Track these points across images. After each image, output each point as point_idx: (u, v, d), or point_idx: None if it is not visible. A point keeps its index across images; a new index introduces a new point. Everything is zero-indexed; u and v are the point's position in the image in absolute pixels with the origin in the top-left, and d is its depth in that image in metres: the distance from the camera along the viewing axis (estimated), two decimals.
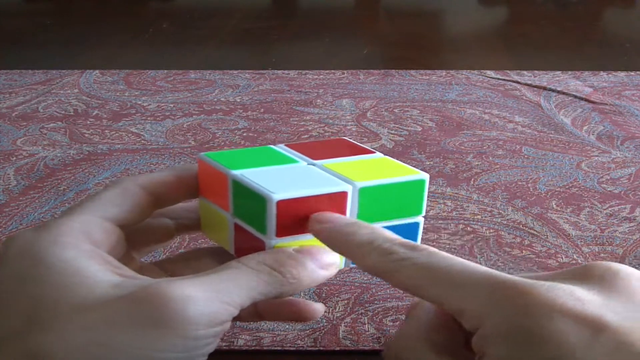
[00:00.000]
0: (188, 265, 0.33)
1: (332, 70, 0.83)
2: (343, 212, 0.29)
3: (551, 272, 0.27)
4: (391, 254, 0.26)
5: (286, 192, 0.27)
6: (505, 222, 0.49)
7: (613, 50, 0.96)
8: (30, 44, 1.00)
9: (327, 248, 0.29)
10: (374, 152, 0.33)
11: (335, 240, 0.28)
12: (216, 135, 0.64)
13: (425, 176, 0.30)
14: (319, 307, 0.32)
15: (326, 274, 0.28)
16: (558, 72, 0.83)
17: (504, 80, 0.81)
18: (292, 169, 0.30)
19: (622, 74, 0.83)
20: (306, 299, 0.34)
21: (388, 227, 0.30)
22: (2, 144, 0.62)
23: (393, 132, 0.65)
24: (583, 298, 0.23)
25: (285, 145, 0.33)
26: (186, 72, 0.83)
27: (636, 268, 0.26)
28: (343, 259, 0.30)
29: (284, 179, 0.29)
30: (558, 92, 0.77)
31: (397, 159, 0.32)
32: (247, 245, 0.29)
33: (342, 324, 0.38)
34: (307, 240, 0.29)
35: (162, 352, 0.24)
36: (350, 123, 0.67)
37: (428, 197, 0.52)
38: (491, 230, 0.48)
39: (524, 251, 0.45)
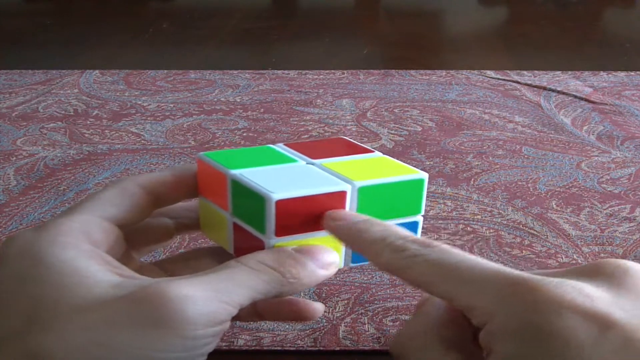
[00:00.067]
0: (188, 265, 0.33)
1: (332, 70, 0.83)
2: None
3: (561, 269, 0.27)
4: (404, 251, 0.26)
5: (285, 191, 0.27)
6: (505, 222, 0.49)
7: (613, 50, 0.96)
8: (30, 44, 1.00)
9: (326, 247, 0.29)
10: (373, 152, 0.33)
11: (349, 237, 0.28)
12: (216, 135, 0.64)
13: (424, 175, 0.30)
14: (318, 307, 0.32)
15: (326, 274, 0.28)
16: (558, 72, 0.83)
17: (504, 80, 0.81)
18: (291, 168, 0.30)
19: (622, 74, 0.83)
20: (306, 299, 0.34)
21: None
22: (2, 144, 0.62)
23: (393, 132, 0.65)
24: (592, 295, 0.23)
25: (284, 144, 0.33)
26: (186, 72, 0.83)
27: None
28: (342, 258, 0.30)
29: (283, 178, 0.29)
30: (558, 92, 0.77)
31: (397, 159, 0.32)
32: (246, 245, 0.29)
33: (342, 324, 0.38)
34: (307, 239, 0.29)
35: (162, 352, 0.24)
36: (350, 123, 0.67)
37: (428, 197, 0.52)
38: (491, 230, 0.47)
39: (524, 251, 0.45)
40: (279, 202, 0.27)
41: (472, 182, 0.55)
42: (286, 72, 0.83)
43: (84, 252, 0.26)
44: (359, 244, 0.28)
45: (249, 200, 0.28)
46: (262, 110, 0.71)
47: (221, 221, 0.30)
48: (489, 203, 0.51)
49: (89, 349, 0.24)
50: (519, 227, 0.48)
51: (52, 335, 0.24)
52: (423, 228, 0.31)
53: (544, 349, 0.22)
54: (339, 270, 0.41)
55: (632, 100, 0.74)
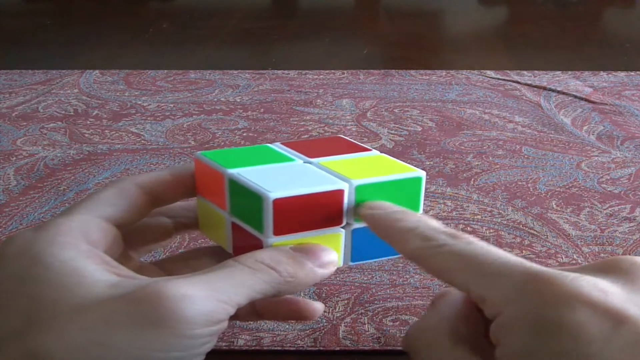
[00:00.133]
0: (187, 264, 0.33)
1: (332, 70, 0.83)
2: (340, 210, 0.29)
3: (576, 265, 0.27)
4: (431, 240, 0.27)
5: (283, 190, 0.27)
6: (505, 222, 0.49)
7: (613, 50, 0.96)
8: (30, 44, 1.00)
9: (325, 246, 0.29)
10: (370, 150, 0.33)
11: (382, 225, 0.28)
12: (216, 135, 0.64)
13: (422, 173, 0.30)
14: (318, 306, 0.32)
15: (324, 273, 0.28)
16: (558, 72, 0.83)
17: (504, 80, 0.81)
18: (288, 167, 0.30)
19: (622, 74, 0.83)
20: (306, 298, 0.34)
21: None
22: (2, 144, 0.62)
23: (393, 132, 0.65)
24: (607, 290, 0.23)
25: (282, 143, 0.33)
26: (186, 72, 0.83)
27: None
28: (341, 257, 0.30)
29: (281, 177, 0.29)
30: (558, 92, 0.77)
31: (397, 159, 0.32)
32: (245, 244, 0.29)
33: (342, 324, 0.38)
34: (305, 238, 0.29)
35: (160, 351, 0.24)
36: (350, 123, 0.67)
37: (428, 197, 0.52)
38: (491, 230, 0.47)
39: (524, 251, 0.45)
40: (277, 201, 0.27)
41: (472, 182, 0.55)
42: (286, 72, 0.83)
43: (83, 252, 0.26)
44: (391, 232, 0.28)
45: (246, 200, 0.28)
46: (262, 110, 0.71)
47: (219, 220, 0.30)
48: (489, 203, 0.51)
49: (88, 349, 0.24)
50: (519, 227, 0.48)
51: (51, 335, 0.24)
52: None
53: (553, 344, 0.22)
54: (339, 269, 0.42)
55: (632, 100, 0.74)
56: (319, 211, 0.28)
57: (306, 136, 0.64)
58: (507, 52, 0.95)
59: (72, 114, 0.70)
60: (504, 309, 0.24)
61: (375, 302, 0.40)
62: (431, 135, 0.64)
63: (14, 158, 0.59)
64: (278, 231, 0.28)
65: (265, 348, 0.36)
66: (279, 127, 0.66)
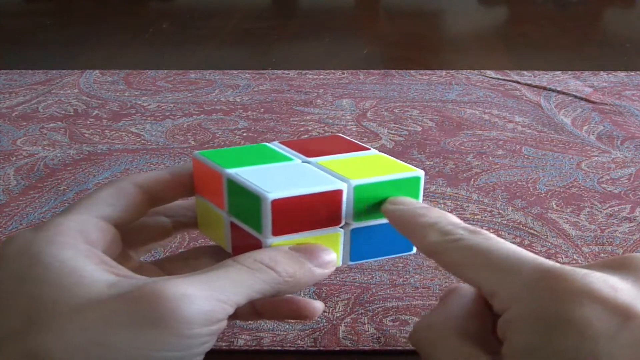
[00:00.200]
0: (187, 264, 0.33)
1: (332, 70, 0.83)
2: (338, 210, 0.29)
3: (587, 263, 0.27)
4: (449, 235, 0.27)
5: (281, 191, 0.27)
6: (505, 222, 0.49)
7: (613, 50, 0.96)
8: (30, 44, 1.00)
9: (324, 246, 0.29)
10: (369, 149, 0.33)
11: (404, 220, 0.28)
12: (216, 135, 0.64)
13: (421, 173, 0.30)
14: (318, 306, 0.32)
15: (323, 273, 0.28)
16: (558, 72, 0.83)
17: (504, 80, 0.81)
18: (286, 167, 0.30)
19: (622, 74, 0.83)
20: (305, 298, 0.34)
21: (383, 225, 0.30)
22: (2, 144, 0.62)
23: (393, 132, 0.65)
24: (617, 286, 0.23)
25: (280, 142, 0.33)
26: (186, 72, 0.83)
27: None
28: (340, 257, 0.30)
29: (279, 177, 0.29)
30: (558, 92, 0.77)
31: (397, 159, 0.32)
32: (244, 244, 0.29)
33: (342, 324, 0.38)
34: (304, 238, 0.29)
35: (159, 351, 0.24)
36: (350, 123, 0.67)
37: (428, 197, 0.52)
38: (491, 230, 0.47)
39: None
40: (275, 202, 0.27)
41: (472, 182, 0.55)
42: (286, 72, 0.83)
43: (82, 252, 0.26)
44: (411, 227, 0.28)
45: (245, 200, 0.28)
46: (262, 110, 0.71)
47: (218, 220, 0.30)
48: (489, 203, 0.51)
49: (88, 349, 0.24)
50: (519, 227, 0.48)
51: (51, 335, 0.24)
52: None
53: (558, 339, 0.22)
54: (338, 269, 0.42)
55: (632, 100, 0.74)
56: (317, 211, 0.28)
57: (306, 136, 0.64)
58: (507, 52, 0.95)
59: (72, 114, 0.70)
60: (513, 304, 0.24)
61: (375, 302, 0.40)
62: (431, 135, 0.64)
63: (14, 158, 0.59)
64: (277, 231, 0.28)
65: (265, 348, 0.36)
66: (279, 127, 0.66)
